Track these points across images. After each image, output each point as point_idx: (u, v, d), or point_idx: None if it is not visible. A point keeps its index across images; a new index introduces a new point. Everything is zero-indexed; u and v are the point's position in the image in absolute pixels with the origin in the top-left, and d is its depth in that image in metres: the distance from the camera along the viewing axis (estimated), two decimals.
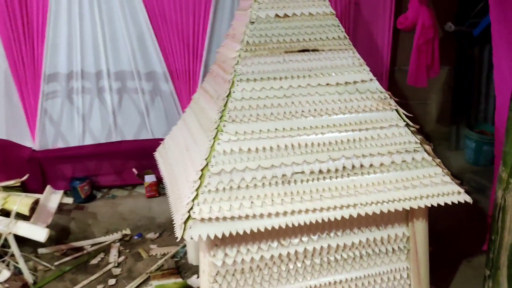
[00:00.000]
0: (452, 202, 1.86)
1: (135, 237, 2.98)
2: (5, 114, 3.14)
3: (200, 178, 1.69)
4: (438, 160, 1.91)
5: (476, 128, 3.71)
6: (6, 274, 2.49)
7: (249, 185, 1.71)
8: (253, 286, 1.82)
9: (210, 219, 1.63)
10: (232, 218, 1.65)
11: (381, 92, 1.92)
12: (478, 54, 3.76)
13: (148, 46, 3.17)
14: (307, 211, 1.72)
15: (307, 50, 1.90)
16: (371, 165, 1.83)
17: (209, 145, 1.74)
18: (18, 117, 3.17)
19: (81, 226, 3.13)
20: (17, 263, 2.58)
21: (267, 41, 1.87)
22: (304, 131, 1.80)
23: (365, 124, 1.87)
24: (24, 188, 3.15)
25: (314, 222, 1.72)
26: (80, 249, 2.87)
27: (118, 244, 2.91)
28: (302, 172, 1.76)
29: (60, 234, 3.01)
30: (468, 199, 1.89)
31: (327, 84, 1.88)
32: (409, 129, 1.91)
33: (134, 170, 3.44)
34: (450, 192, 1.87)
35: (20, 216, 2.69)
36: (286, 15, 1.91)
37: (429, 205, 1.83)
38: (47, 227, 2.67)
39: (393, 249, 1.98)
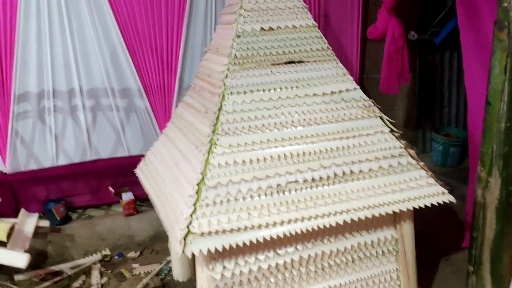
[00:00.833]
0: (438, 203, 1.93)
1: (116, 257, 2.91)
2: None
3: (196, 192, 1.68)
4: (422, 163, 1.98)
5: (441, 131, 3.87)
6: None
7: (245, 197, 1.71)
8: None
9: (210, 232, 1.62)
10: (231, 230, 1.65)
11: (365, 100, 1.98)
12: (439, 61, 3.94)
13: (121, 62, 3.13)
14: (303, 219, 1.74)
15: (293, 62, 1.93)
16: (360, 171, 1.88)
17: (203, 159, 1.73)
18: None
19: (58, 249, 3.03)
20: None
21: (254, 54, 1.89)
22: (295, 141, 1.83)
23: (352, 132, 1.92)
24: None
25: (310, 229, 1.74)
26: (59, 273, 2.77)
27: (98, 265, 2.83)
28: (296, 181, 1.78)
29: (37, 258, 2.89)
30: (452, 199, 1.96)
31: (314, 94, 1.92)
32: (393, 134, 1.98)
33: (110, 188, 3.36)
34: (435, 193, 1.94)
35: None
36: (271, 28, 1.94)
37: (417, 207, 1.90)
38: (25, 252, 2.56)
39: (382, 251, 2.02)
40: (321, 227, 1.76)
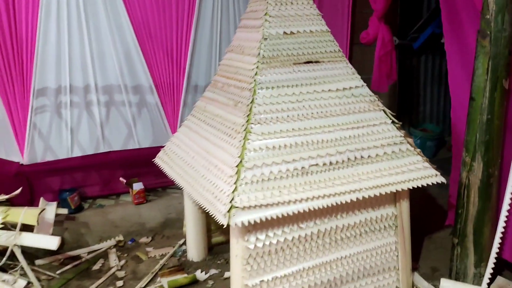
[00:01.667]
0: (432, 183, 2.25)
1: (129, 242, 3.08)
2: None
3: (236, 173, 1.92)
4: (418, 150, 2.30)
5: (419, 126, 4.25)
6: (22, 283, 2.51)
7: (276, 177, 1.97)
8: (277, 265, 2.06)
9: (249, 207, 1.87)
10: (266, 205, 1.90)
11: (370, 95, 2.28)
12: (417, 63, 4.32)
13: (134, 61, 3.32)
14: (323, 196, 2.00)
15: (311, 62, 2.20)
16: (368, 156, 2.17)
17: (239, 145, 1.98)
18: (4, 132, 3.17)
19: (74, 236, 3.18)
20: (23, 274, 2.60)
21: (279, 54, 2.15)
22: (315, 130, 2.10)
23: (361, 123, 2.21)
24: (11, 203, 3.14)
25: (329, 205, 2.01)
26: (78, 257, 2.91)
27: (114, 250, 2.99)
28: (317, 165, 2.05)
29: None
30: (444, 180, 2.28)
31: (329, 90, 2.20)
32: (394, 125, 2.28)
33: (122, 179, 3.54)
34: (430, 175, 2.25)
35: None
36: (292, 32, 2.20)
37: (415, 187, 2.20)
38: None
39: (384, 226, 2.32)
40: (338, 203, 2.03)
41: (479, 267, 2.38)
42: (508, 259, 2.42)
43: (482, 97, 2.22)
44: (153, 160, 2.78)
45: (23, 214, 2.73)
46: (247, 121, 2.01)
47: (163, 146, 2.77)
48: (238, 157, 1.95)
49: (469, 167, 2.33)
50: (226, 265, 2.75)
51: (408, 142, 2.28)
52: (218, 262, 2.81)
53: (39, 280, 2.70)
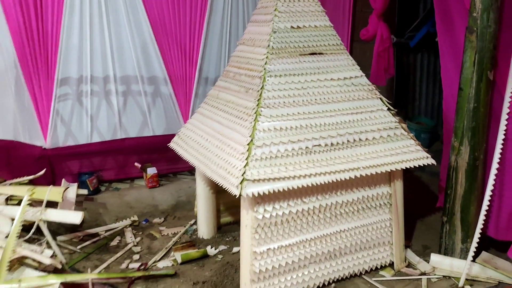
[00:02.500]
0: (424, 164, 2.45)
1: (143, 222, 3.26)
2: (16, 117, 3.33)
3: (247, 150, 2.12)
4: (411, 134, 2.50)
5: (414, 120, 4.45)
6: (48, 252, 2.70)
7: (283, 155, 2.17)
8: (283, 235, 2.26)
9: (259, 180, 2.07)
10: (274, 179, 2.10)
11: (369, 85, 2.48)
12: (413, 61, 4.52)
13: (150, 54, 3.52)
14: (325, 173, 2.21)
15: (315, 53, 2.41)
16: (366, 139, 2.37)
17: (250, 126, 2.18)
18: (29, 119, 3.37)
19: (92, 215, 3.35)
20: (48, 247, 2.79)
21: (286, 46, 2.36)
22: (318, 114, 2.30)
23: (360, 109, 2.41)
24: (32, 184, 3.34)
25: (330, 182, 2.21)
26: (96, 235, 3.08)
27: (130, 228, 3.17)
28: (319, 145, 2.26)
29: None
30: (434, 161, 2.48)
31: (331, 79, 2.40)
32: (390, 112, 2.48)
33: (137, 164, 3.74)
34: (421, 157, 2.45)
35: None
36: (298, 27, 2.41)
37: (408, 167, 2.40)
38: None
39: (380, 204, 2.52)
40: (338, 180, 2.23)
41: (465, 243, 2.58)
42: (492, 236, 2.62)
43: (469, 87, 2.42)
44: (168, 144, 2.95)
45: (48, 192, 2.94)
46: (257, 105, 2.22)
47: (176, 134, 2.95)
48: (249, 136, 2.15)
49: (457, 151, 2.53)
50: (234, 242, 2.93)
51: (402, 127, 2.48)
52: (227, 239, 2.99)
53: (62, 254, 2.90)
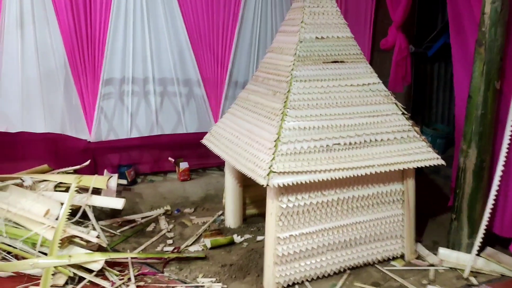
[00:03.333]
0: (434, 165, 2.65)
1: (175, 212, 3.50)
2: (64, 112, 3.64)
3: (274, 146, 2.37)
4: (423, 137, 2.70)
5: (430, 126, 4.61)
6: (94, 233, 2.99)
7: (306, 151, 2.40)
8: (304, 224, 2.48)
9: (284, 172, 2.30)
10: (297, 172, 2.33)
11: (385, 91, 2.70)
12: (430, 70, 4.68)
13: (186, 58, 3.80)
14: (343, 169, 2.43)
15: (337, 62, 2.64)
16: (381, 140, 2.58)
17: (277, 125, 2.42)
18: (76, 115, 3.68)
19: (130, 204, 3.59)
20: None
21: (311, 55, 2.59)
22: (338, 116, 2.53)
23: (377, 112, 2.62)
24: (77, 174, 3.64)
25: (348, 177, 2.43)
26: (133, 221, 3.34)
27: (163, 217, 3.42)
28: (339, 144, 2.48)
29: (114, 210, 3.40)
30: (443, 162, 2.68)
31: (351, 85, 2.62)
32: (404, 116, 2.69)
33: (170, 158, 4.02)
34: (432, 158, 2.65)
35: None
36: (322, 37, 2.64)
37: (419, 166, 2.60)
38: None
39: (393, 200, 2.71)
40: (355, 175, 2.45)
41: (471, 238, 2.74)
42: (497, 232, 2.79)
43: (478, 96, 2.61)
44: (200, 141, 3.18)
45: (94, 180, 3.23)
46: (284, 106, 2.46)
47: (207, 132, 3.19)
48: (276, 134, 2.39)
49: (466, 154, 2.71)
50: (258, 232, 3.16)
51: (415, 130, 2.69)
52: (251, 229, 3.21)
53: None
